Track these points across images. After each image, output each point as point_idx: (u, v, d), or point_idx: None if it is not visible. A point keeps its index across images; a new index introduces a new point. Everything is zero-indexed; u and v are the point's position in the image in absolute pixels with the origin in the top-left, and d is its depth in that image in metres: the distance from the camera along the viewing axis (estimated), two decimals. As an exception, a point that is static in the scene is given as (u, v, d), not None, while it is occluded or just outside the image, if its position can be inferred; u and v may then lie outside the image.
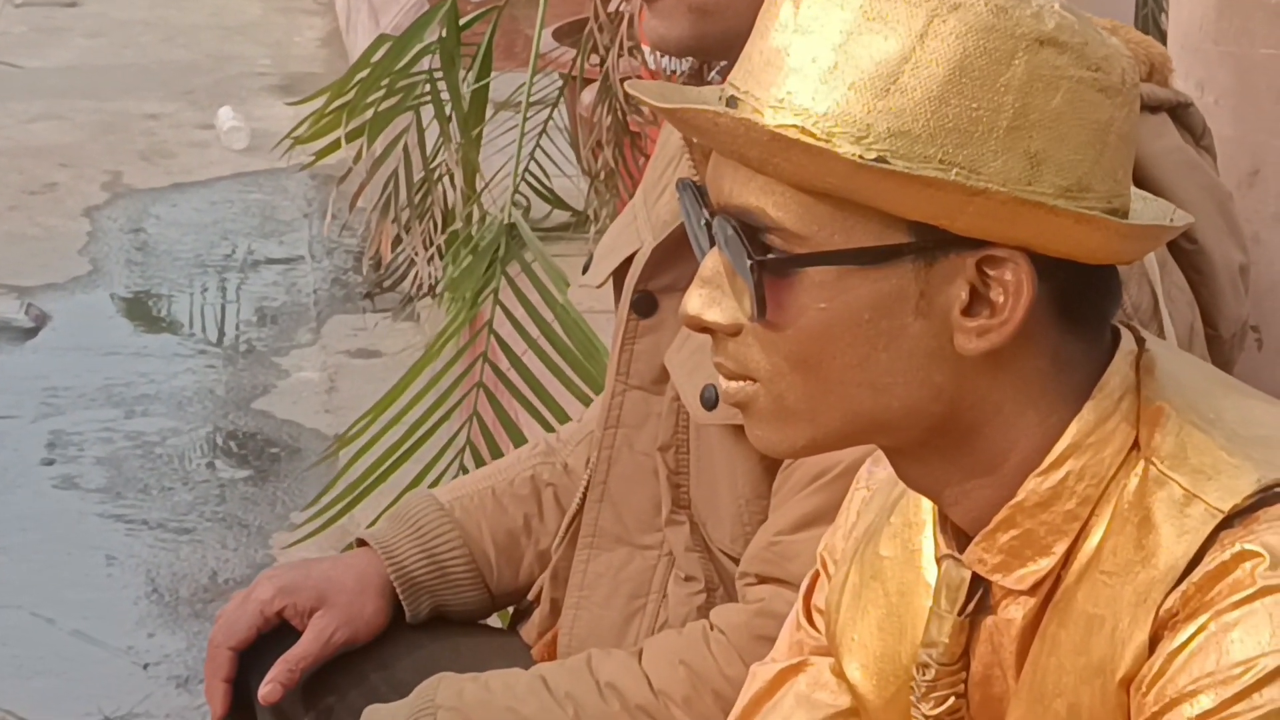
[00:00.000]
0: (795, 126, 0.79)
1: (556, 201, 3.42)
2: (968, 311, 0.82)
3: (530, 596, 1.52)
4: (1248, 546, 0.80)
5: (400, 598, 1.48)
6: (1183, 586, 0.81)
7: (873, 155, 0.79)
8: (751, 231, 0.81)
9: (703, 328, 0.86)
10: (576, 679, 1.33)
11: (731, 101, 0.82)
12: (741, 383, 0.86)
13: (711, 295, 0.85)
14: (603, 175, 2.92)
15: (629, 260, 1.40)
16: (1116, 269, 0.87)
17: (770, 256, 0.81)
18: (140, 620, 2.83)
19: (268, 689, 1.42)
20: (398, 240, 3.14)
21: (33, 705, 2.42)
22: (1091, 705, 0.87)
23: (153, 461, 3.30)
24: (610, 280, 1.46)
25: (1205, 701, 0.80)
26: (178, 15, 6.34)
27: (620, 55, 2.59)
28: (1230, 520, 0.82)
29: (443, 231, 2.90)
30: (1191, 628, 0.81)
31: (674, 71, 2.39)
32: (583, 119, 3.01)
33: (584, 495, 1.45)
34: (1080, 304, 0.86)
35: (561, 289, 2.39)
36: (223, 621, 1.49)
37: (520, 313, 2.41)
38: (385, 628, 1.49)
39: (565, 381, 2.33)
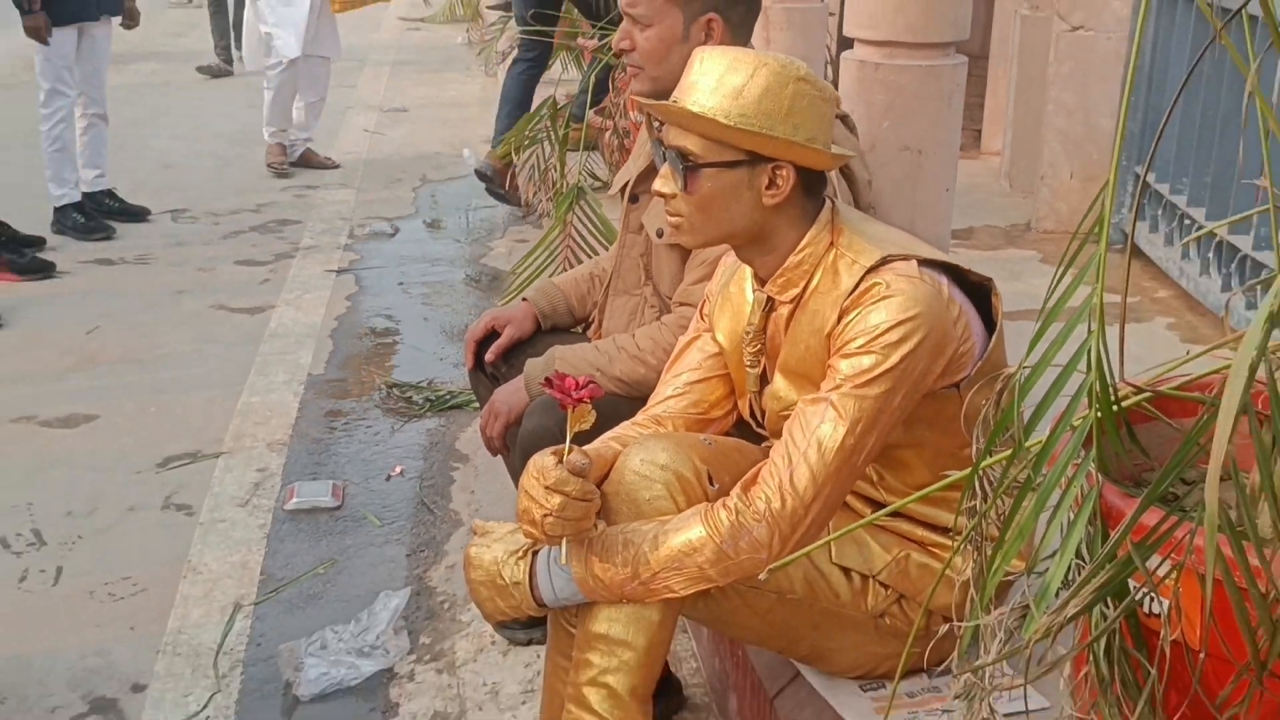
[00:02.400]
0: (699, 112, 1.72)
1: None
2: (767, 188, 1.76)
3: (592, 318, 2.69)
4: (876, 278, 1.73)
5: (540, 321, 2.66)
6: (851, 295, 1.74)
7: (730, 122, 1.71)
8: (682, 154, 1.76)
9: (661, 194, 1.80)
10: (609, 344, 2.36)
11: (675, 102, 1.76)
12: (676, 218, 1.81)
13: (664, 182, 1.79)
14: (614, 161, 5.13)
15: (626, 185, 2.52)
16: (826, 172, 1.85)
17: (688, 164, 1.76)
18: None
19: (490, 356, 2.60)
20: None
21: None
22: (814, 345, 1.79)
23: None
24: (621, 194, 2.56)
25: (860, 339, 1.70)
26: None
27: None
28: (871, 269, 1.74)
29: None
30: (854, 311, 1.73)
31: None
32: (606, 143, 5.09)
33: (610, 277, 2.59)
34: (813, 185, 1.80)
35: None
36: (469, 332, 2.69)
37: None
38: (534, 332, 2.65)
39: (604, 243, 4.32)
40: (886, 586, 1.87)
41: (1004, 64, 5.54)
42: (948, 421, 1.80)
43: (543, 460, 1.71)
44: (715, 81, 1.75)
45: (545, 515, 1.68)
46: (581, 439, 1.90)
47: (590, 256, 4.06)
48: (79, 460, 3.68)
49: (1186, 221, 3.74)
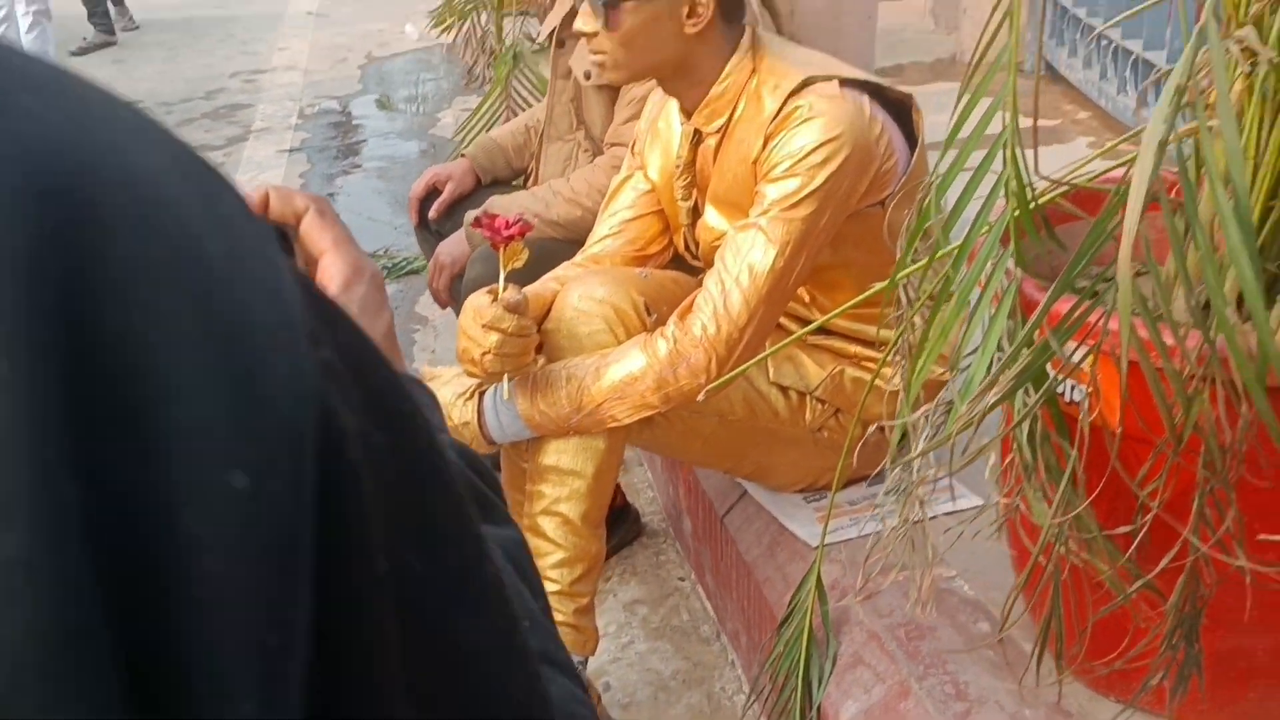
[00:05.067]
0: None
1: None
2: (688, 17, 1.67)
3: (530, 170, 2.61)
4: (798, 101, 1.65)
5: (480, 175, 2.58)
6: (775, 119, 1.65)
7: None
8: None
9: (583, 33, 1.71)
10: (545, 189, 2.29)
11: None
12: (599, 55, 1.71)
13: (585, 20, 1.68)
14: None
15: (553, 32, 2.41)
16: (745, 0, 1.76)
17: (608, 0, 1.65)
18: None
19: (433, 213, 2.53)
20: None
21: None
22: (742, 173, 1.72)
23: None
24: (549, 41, 2.48)
25: (786, 163, 1.63)
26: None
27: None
28: (793, 93, 1.65)
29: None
30: (779, 135, 1.64)
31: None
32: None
33: (543, 125, 2.53)
34: (732, 11, 1.71)
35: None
36: (411, 190, 2.61)
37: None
38: (475, 187, 2.56)
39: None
40: (823, 402, 1.84)
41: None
42: (874, 240, 1.74)
43: (478, 299, 1.65)
44: None
45: (484, 353, 1.63)
46: (522, 281, 1.84)
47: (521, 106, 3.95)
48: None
49: (1104, 42, 3.65)
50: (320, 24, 7.60)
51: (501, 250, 1.61)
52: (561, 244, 2.15)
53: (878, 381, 1.82)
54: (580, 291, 1.73)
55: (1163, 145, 1.04)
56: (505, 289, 1.64)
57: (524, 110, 3.99)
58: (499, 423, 1.74)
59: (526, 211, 2.20)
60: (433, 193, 2.56)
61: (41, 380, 0.23)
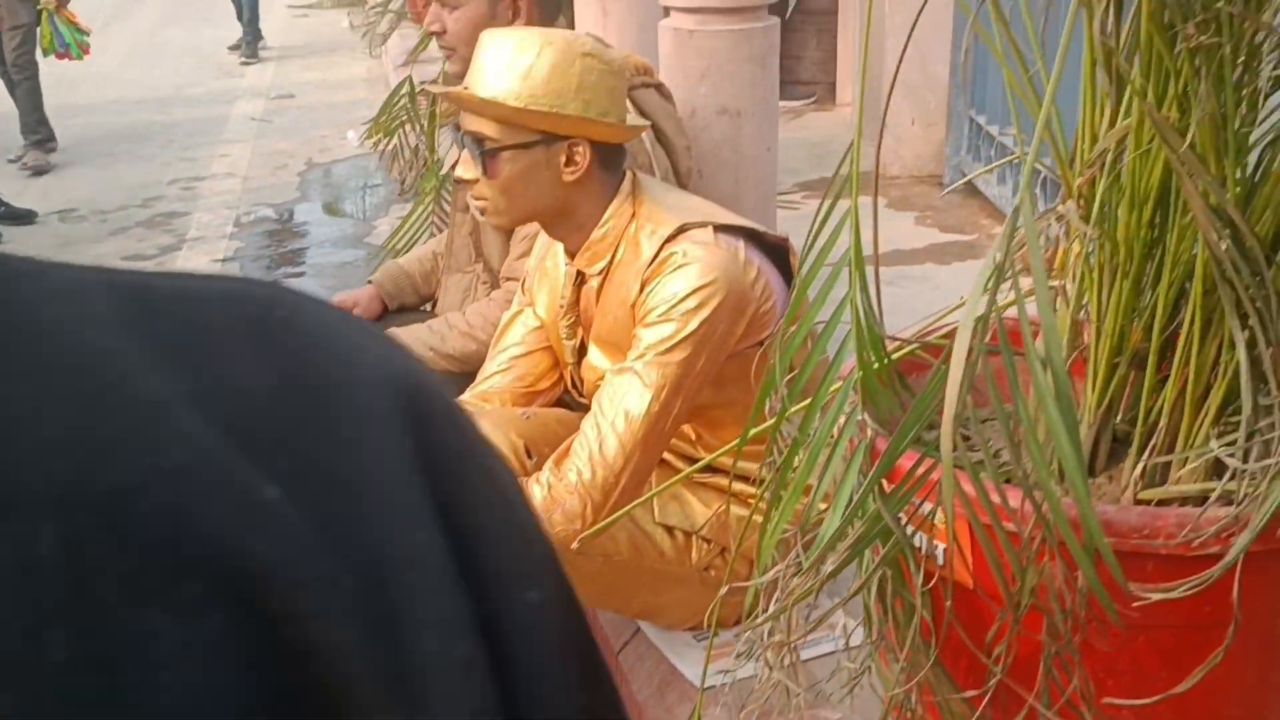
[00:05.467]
0: (489, 96, 1.66)
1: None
2: (566, 165, 1.70)
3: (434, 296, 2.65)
4: (673, 248, 1.69)
5: (386, 301, 2.60)
6: (651, 265, 1.69)
7: (521, 104, 1.65)
8: (478, 140, 1.70)
9: (463, 180, 1.78)
10: (441, 322, 2.29)
11: (465, 88, 1.72)
12: (481, 201, 1.77)
13: (466, 167, 1.74)
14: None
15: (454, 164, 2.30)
16: (624, 145, 1.79)
17: (484, 149, 1.69)
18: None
19: None
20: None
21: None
22: (622, 316, 1.75)
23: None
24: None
25: (660, 308, 1.65)
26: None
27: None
28: (668, 239, 1.70)
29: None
30: (654, 280, 1.68)
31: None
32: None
33: (445, 254, 2.54)
34: (610, 159, 1.74)
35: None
36: None
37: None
38: (381, 313, 2.58)
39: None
40: (709, 540, 1.83)
41: (853, 18, 5.50)
42: (754, 379, 1.76)
43: None
44: (504, 64, 1.68)
45: None
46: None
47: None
48: None
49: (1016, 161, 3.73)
50: (263, 130, 7.65)
51: None
52: (457, 377, 2.15)
53: (756, 518, 1.83)
54: None
55: (982, 321, 1.05)
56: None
57: (442, 227, 4.03)
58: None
59: (422, 344, 2.21)
60: None
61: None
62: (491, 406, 1.89)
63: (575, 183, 1.72)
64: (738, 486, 1.84)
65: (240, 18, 9.93)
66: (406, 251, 4.11)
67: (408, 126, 4.70)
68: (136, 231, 5.69)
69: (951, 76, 4.25)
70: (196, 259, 5.25)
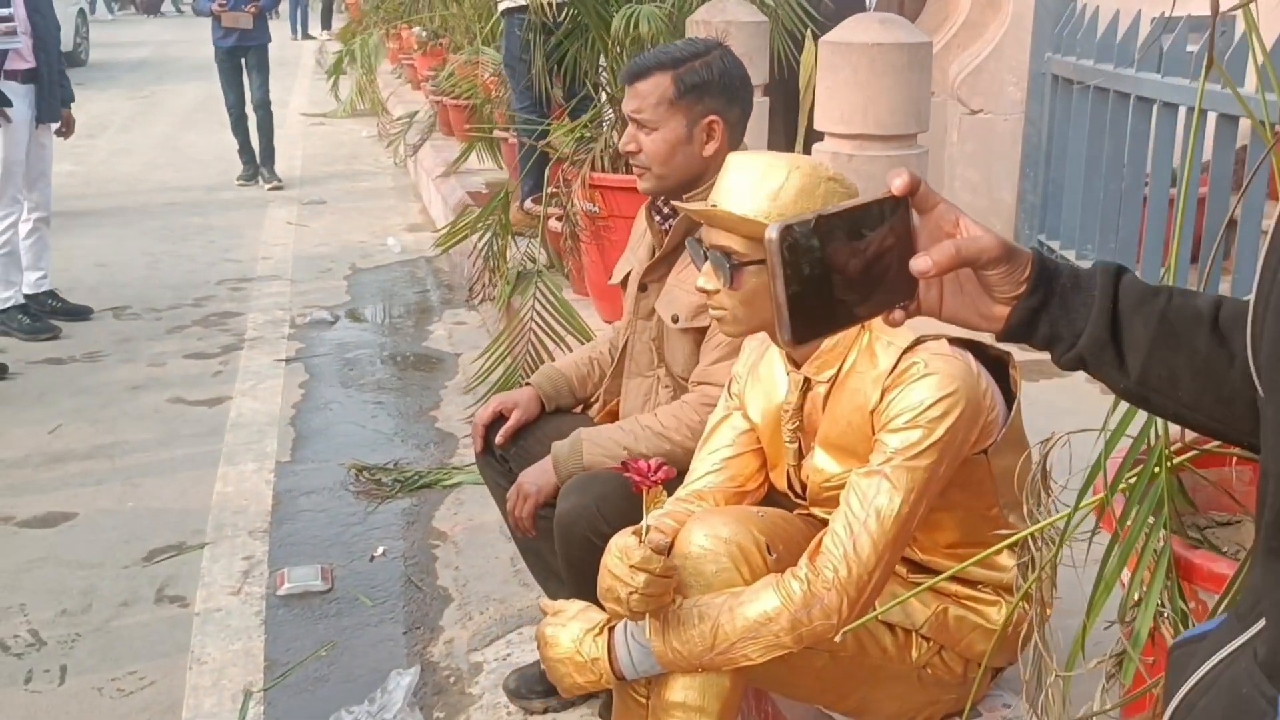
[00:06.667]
0: (742, 214, 1.75)
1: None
2: None
3: (594, 399, 2.71)
4: (913, 358, 1.76)
5: (544, 403, 2.64)
6: (891, 374, 1.76)
7: (771, 221, 1.45)
8: (725, 254, 1.80)
9: (704, 290, 1.85)
10: (633, 423, 2.36)
11: (715, 205, 1.80)
12: (720, 311, 1.85)
13: (708, 279, 1.82)
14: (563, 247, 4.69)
15: (628, 275, 2.59)
16: None
17: (732, 263, 1.80)
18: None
19: (500, 439, 2.58)
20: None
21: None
22: (857, 421, 1.81)
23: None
24: (622, 284, 2.65)
25: (906, 415, 1.73)
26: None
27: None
28: (907, 349, 1.77)
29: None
30: (896, 389, 1.75)
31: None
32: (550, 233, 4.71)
33: (621, 360, 2.58)
34: None
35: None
36: (477, 417, 2.65)
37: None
38: (539, 414, 2.63)
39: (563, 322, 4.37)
40: (928, 639, 1.90)
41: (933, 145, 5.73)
42: (977, 484, 1.85)
43: (624, 540, 1.71)
44: (753, 185, 1.79)
45: (631, 593, 1.68)
46: (625, 517, 1.90)
47: (552, 336, 4.11)
48: (64, 558, 3.54)
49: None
50: (299, 234, 7.77)
51: (645, 493, 1.68)
52: (647, 476, 2.23)
53: (982, 621, 1.90)
54: (705, 530, 1.79)
55: None
56: (648, 531, 1.71)
57: (544, 329, 4.13)
58: (630, 659, 1.78)
59: (616, 444, 2.29)
60: (498, 419, 2.62)
61: None
62: (710, 505, 1.96)
63: None
64: (955, 588, 1.92)
65: (248, 152, 9.23)
66: (505, 355, 4.22)
67: (480, 234, 4.84)
68: (194, 330, 5.76)
69: (1019, 203, 4.43)
70: (260, 358, 5.31)
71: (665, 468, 1.68)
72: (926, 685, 1.92)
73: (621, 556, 1.69)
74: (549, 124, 4.99)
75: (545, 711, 2.70)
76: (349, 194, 9.07)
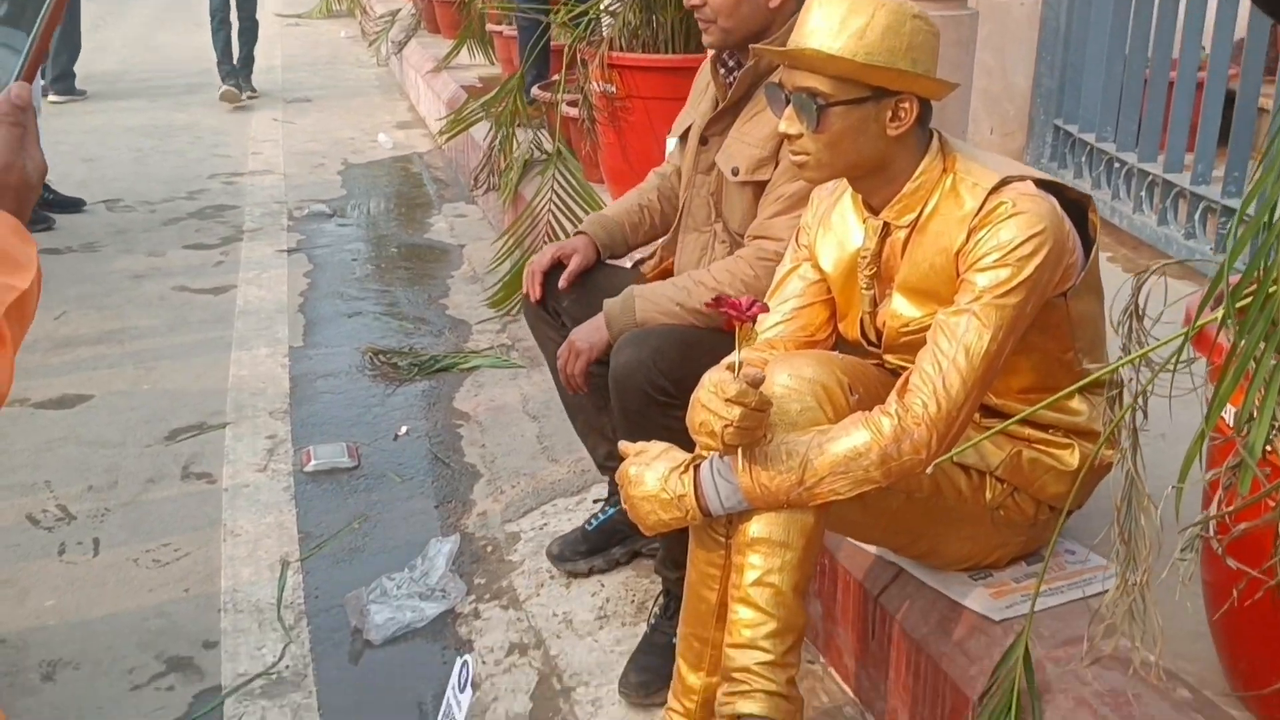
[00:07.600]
0: (831, 53, 1.71)
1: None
2: (891, 120, 1.78)
3: (650, 253, 2.70)
4: (1000, 198, 1.75)
5: (600, 250, 2.60)
6: (978, 214, 1.75)
7: (860, 60, 1.72)
8: (811, 94, 1.76)
9: (788, 135, 1.81)
10: (686, 279, 2.32)
11: (800, 46, 1.76)
12: (802, 156, 1.81)
13: (790, 123, 1.79)
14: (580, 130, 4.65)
15: (688, 129, 2.54)
16: (934, 103, 1.82)
17: (819, 104, 1.75)
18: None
19: (563, 283, 2.53)
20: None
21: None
22: (940, 263, 1.80)
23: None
24: (681, 139, 2.60)
25: (995, 254, 1.72)
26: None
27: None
28: (993, 190, 1.76)
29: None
30: (984, 229, 1.74)
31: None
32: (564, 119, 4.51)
33: (680, 213, 2.55)
34: (927, 115, 1.81)
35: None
36: (533, 263, 2.58)
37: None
38: (596, 262, 2.59)
39: (585, 206, 4.17)
40: (1002, 481, 1.91)
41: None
42: (1055, 328, 1.85)
43: (719, 375, 1.69)
44: (838, 24, 1.75)
45: (726, 426, 1.67)
46: (680, 370, 1.89)
47: (572, 221, 4.04)
48: (85, 438, 3.51)
49: (1116, 165, 3.88)
50: (288, 130, 7.64)
51: (738, 329, 1.67)
52: (704, 331, 2.22)
53: (1056, 464, 1.91)
54: (789, 371, 1.78)
55: None
56: (741, 366, 1.69)
57: (564, 213, 4.08)
58: (717, 495, 1.78)
59: (669, 300, 2.27)
60: (557, 266, 2.57)
61: None
62: (776, 353, 1.95)
63: (897, 138, 1.79)
64: (1028, 431, 1.93)
65: (228, 65, 8.46)
66: (521, 240, 4.17)
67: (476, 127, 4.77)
68: (190, 222, 5.67)
69: (1035, 87, 4.39)
70: (261, 249, 5.24)
71: (759, 303, 1.66)
72: (999, 527, 1.93)
73: (716, 390, 1.68)
74: (553, 11, 4.90)
75: (590, 573, 2.71)
76: (333, 93, 8.91)
